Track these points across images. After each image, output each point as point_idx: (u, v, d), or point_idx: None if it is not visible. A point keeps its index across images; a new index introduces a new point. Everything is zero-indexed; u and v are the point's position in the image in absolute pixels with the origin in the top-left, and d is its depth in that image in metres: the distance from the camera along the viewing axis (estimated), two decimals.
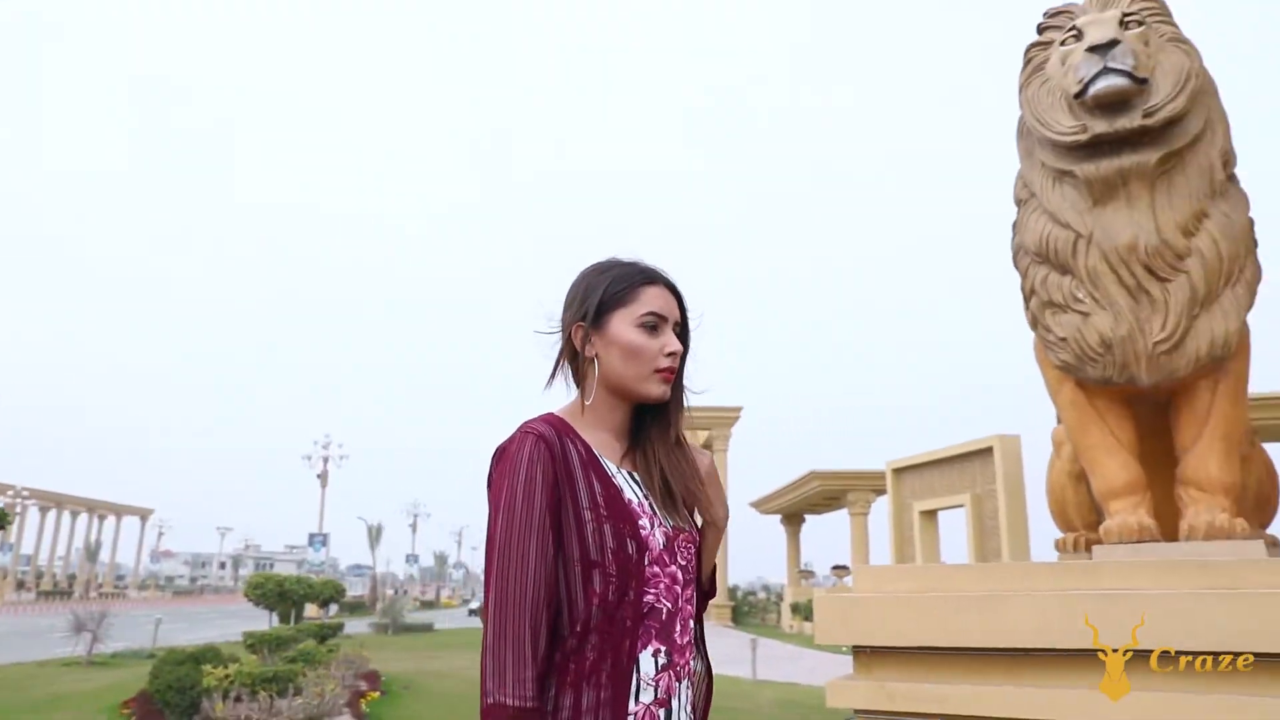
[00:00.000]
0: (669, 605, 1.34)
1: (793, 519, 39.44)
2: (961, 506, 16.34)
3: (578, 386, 1.45)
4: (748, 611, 37.50)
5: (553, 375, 1.47)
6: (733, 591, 37.70)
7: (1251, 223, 3.42)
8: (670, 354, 1.41)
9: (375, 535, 61.84)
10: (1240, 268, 3.31)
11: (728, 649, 20.39)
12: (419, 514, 67.62)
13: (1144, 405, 3.61)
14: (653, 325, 1.40)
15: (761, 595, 45.93)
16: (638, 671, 1.28)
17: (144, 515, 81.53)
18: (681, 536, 1.40)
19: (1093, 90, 3.32)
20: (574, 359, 1.45)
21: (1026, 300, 3.68)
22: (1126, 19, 3.44)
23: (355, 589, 57.00)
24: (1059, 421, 3.98)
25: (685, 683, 1.36)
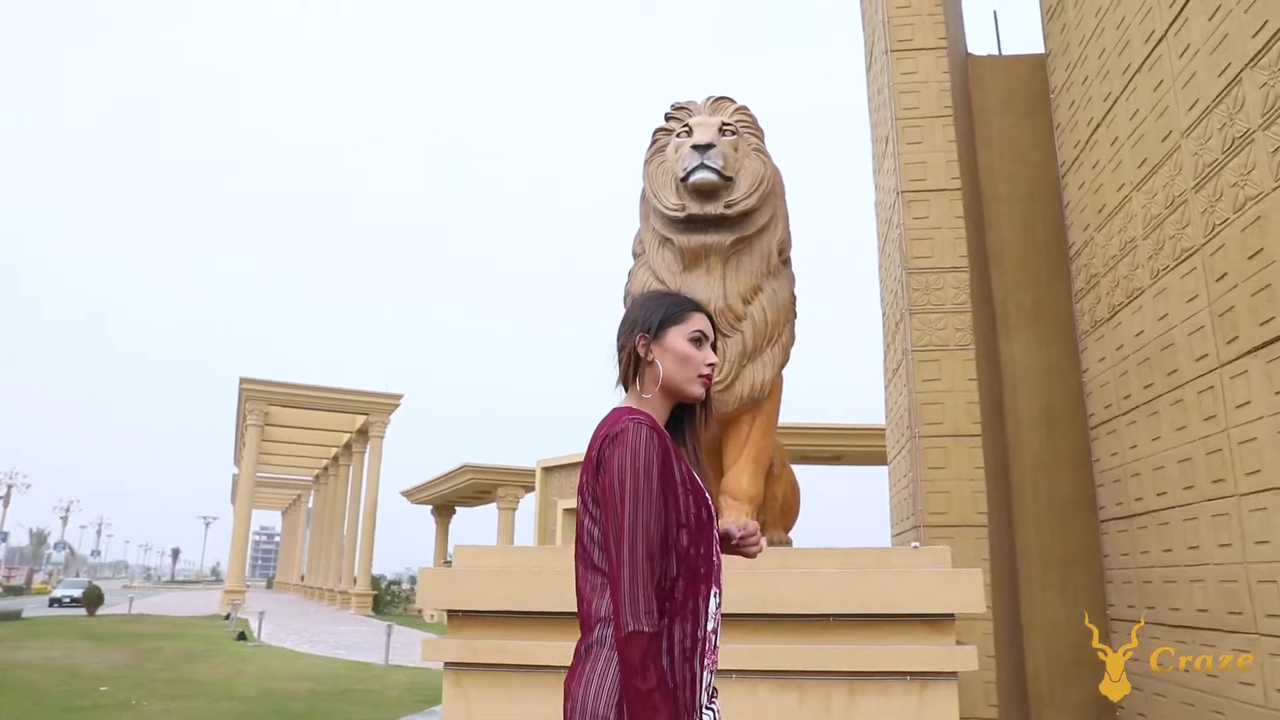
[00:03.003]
0: (718, 559, 1.73)
1: (443, 510, 39.77)
2: None
3: (626, 387, 1.81)
4: (390, 601, 37.12)
5: (623, 376, 1.81)
6: (376, 581, 37.10)
7: (794, 298, 4.49)
8: (710, 364, 1.80)
9: None
10: (779, 333, 4.35)
11: (364, 636, 20.31)
12: (14, 484, 58.30)
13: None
14: (698, 340, 1.79)
15: (407, 586, 45.54)
16: (706, 607, 1.66)
17: None
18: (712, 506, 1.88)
19: (692, 179, 4.19)
20: (634, 365, 1.80)
21: None
22: (725, 127, 4.36)
23: None
24: None
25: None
